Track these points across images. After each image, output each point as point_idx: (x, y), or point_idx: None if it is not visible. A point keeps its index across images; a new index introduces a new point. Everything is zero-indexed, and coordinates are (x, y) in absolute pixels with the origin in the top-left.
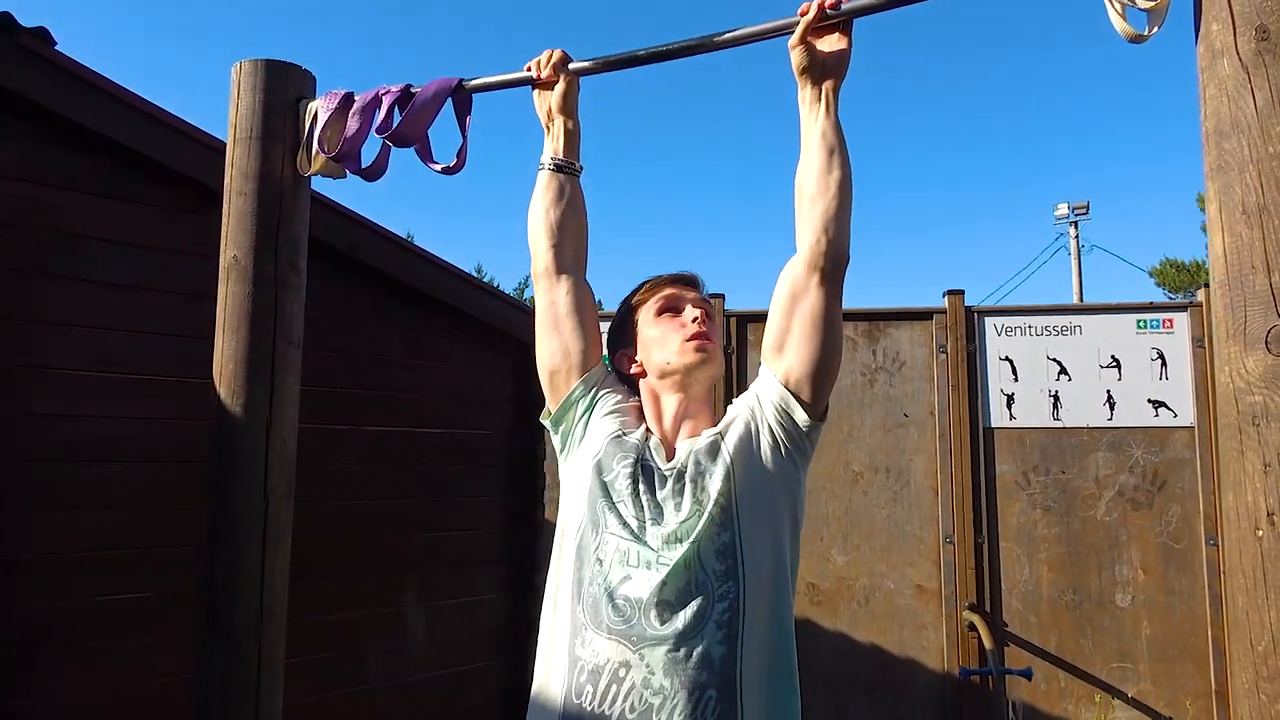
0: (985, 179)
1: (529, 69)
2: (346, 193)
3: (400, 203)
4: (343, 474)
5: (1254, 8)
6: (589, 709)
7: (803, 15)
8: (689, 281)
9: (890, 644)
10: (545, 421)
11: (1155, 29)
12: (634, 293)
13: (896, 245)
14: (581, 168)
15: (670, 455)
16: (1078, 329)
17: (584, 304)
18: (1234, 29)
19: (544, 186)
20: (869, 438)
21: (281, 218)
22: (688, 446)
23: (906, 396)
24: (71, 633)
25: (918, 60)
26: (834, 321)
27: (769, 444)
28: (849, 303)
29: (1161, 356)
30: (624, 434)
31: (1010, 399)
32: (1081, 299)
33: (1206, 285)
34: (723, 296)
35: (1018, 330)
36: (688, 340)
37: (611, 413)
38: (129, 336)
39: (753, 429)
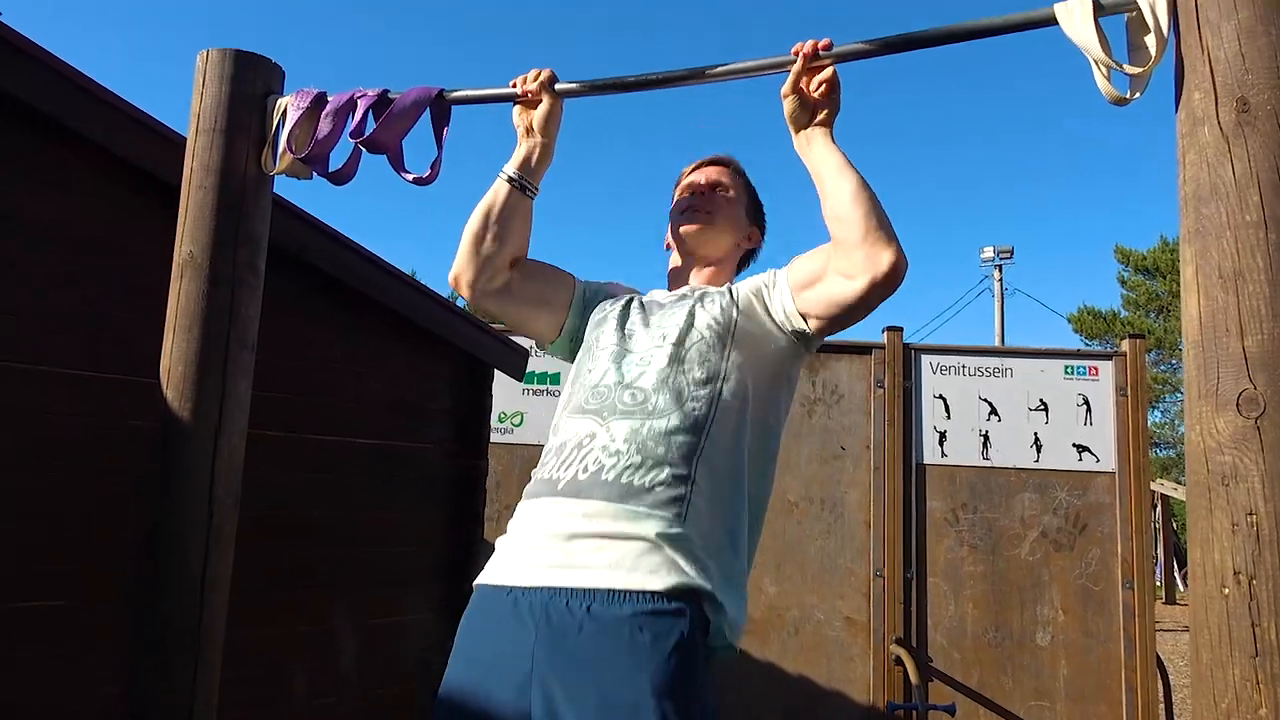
0: (916, 216)
1: (514, 85)
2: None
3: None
4: (273, 483)
5: (1235, 80)
6: (545, 477)
7: (796, 54)
8: (715, 161)
9: (818, 675)
10: (550, 349)
11: (1137, 94)
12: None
13: None
14: (538, 191)
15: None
16: (1009, 371)
17: (533, 277)
18: (1215, 99)
19: (501, 198)
20: (805, 468)
21: (243, 215)
22: (698, 285)
23: (844, 429)
24: None
25: (854, 92)
26: (861, 312)
27: (780, 317)
28: None
29: (1087, 402)
30: (623, 293)
31: (943, 436)
32: (1003, 341)
33: (1130, 336)
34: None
35: (952, 369)
36: (684, 211)
37: (609, 296)
38: (56, 327)
39: (766, 292)
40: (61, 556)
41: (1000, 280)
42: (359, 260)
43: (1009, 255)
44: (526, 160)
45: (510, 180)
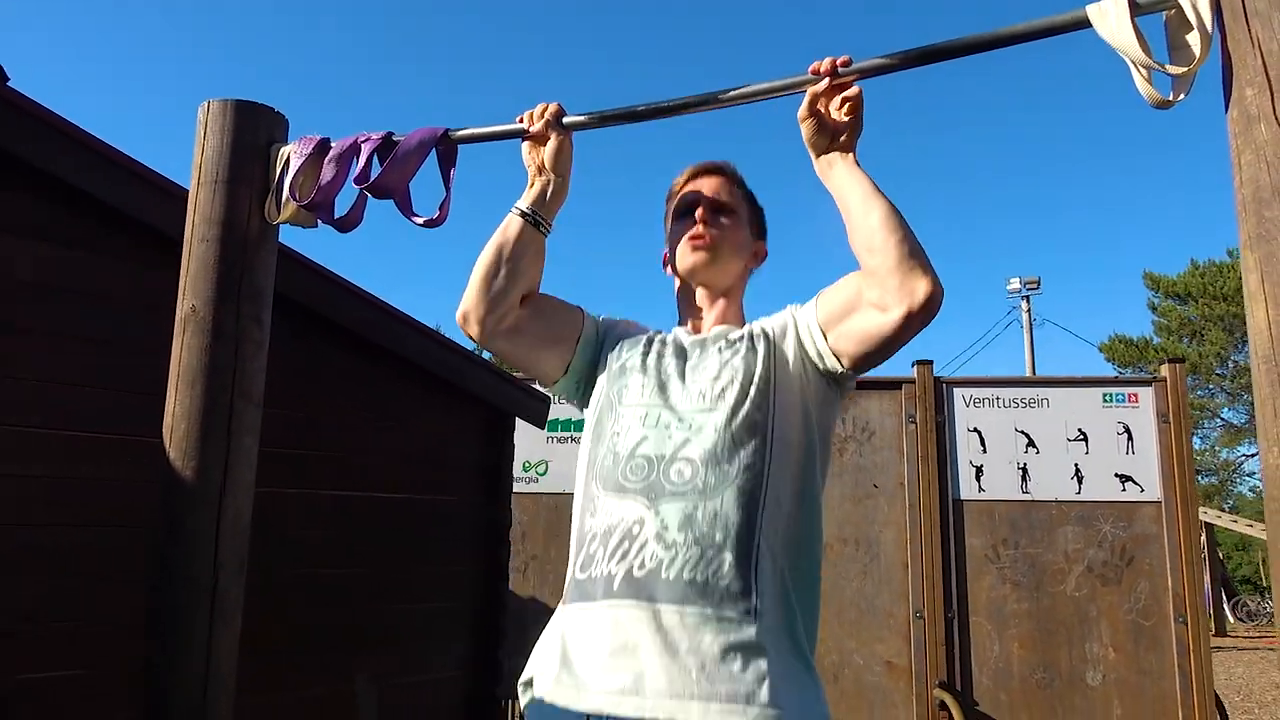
0: (940, 250)
1: (521, 120)
2: (318, 244)
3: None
4: (294, 541)
5: None
6: (597, 574)
7: (814, 73)
8: (710, 170)
9: None
10: (556, 389)
11: (1182, 95)
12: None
13: None
14: (551, 228)
15: (698, 333)
16: (1045, 401)
17: (543, 313)
18: (1271, 93)
19: (513, 233)
20: (839, 509)
21: (245, 267)
22: (722, 329)
23: (876, 467)
24: None
25: (874, 126)
26: (896, 345)
27: (814, 358)
28: None
29: (1128, 431)
30: (639, 333)
31: (979, 471)
32: (1034, 373)
33: (1169, 361)
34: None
35: (986, 402)
36: (688, 240)
37: (624, 336)
38: (88, 392)
39: (796, 334)
40: (78, 619)
41: (1029, 311)
42: (379, 314)
43: (1036, 286)
44: (540, 196)
45: (524, 215)
